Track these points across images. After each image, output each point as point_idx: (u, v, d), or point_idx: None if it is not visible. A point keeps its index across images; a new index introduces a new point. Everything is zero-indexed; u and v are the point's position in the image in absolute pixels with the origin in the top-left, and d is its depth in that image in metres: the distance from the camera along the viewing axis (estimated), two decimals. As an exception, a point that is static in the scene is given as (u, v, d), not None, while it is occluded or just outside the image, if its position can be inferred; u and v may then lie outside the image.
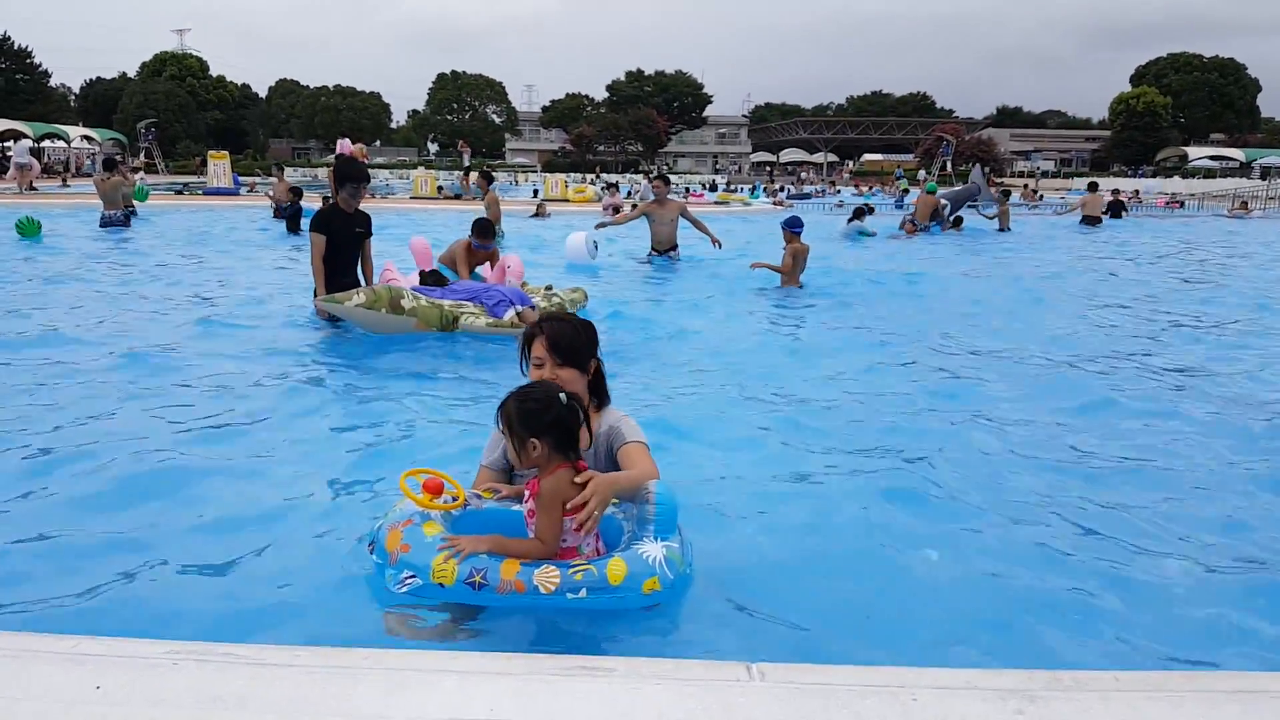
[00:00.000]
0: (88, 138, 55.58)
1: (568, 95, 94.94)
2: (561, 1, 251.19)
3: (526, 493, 2.87)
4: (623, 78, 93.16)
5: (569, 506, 2.75)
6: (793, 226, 10.66)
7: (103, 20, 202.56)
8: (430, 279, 8.26)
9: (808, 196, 40.87)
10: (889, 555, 3.45)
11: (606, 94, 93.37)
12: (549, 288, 8.66)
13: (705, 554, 3.24)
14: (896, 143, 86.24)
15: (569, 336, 3.12)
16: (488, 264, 9.21)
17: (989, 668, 2.31)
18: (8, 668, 2.09)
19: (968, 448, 4.82)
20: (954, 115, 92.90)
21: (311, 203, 20.51)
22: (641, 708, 1.97)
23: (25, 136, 44.14)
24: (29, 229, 14.65)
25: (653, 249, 13.51)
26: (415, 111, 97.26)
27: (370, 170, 8.16)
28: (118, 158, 27.76)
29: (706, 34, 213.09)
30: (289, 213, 17.64)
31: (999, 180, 46.48)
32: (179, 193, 27.91)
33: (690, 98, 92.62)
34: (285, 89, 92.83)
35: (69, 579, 3.12)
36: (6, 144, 43.96)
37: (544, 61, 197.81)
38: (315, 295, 7.75)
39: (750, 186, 47.95)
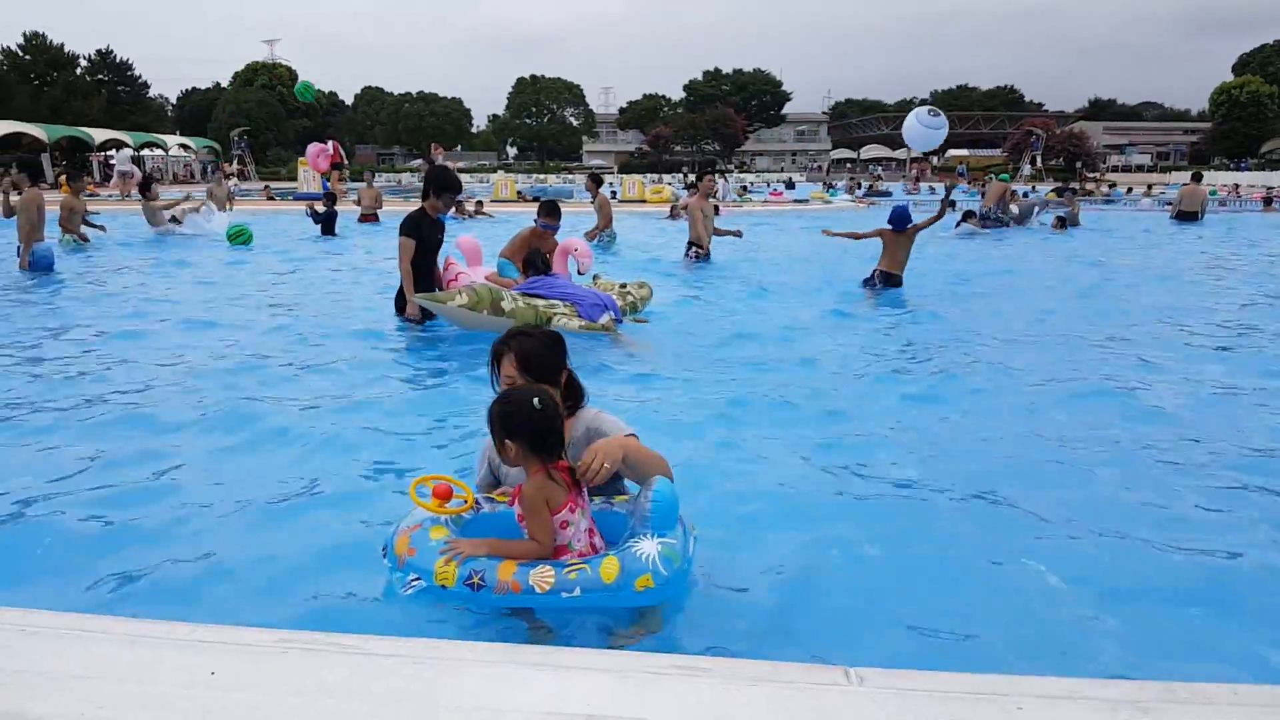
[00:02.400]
0: (184, 146, 57.79)
1: (645, 96, 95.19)
2: (640, 2, 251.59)
3: (513, 494, 2.94)
4: (700, 77, 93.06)
5: (579, 473, 2.88)
6: (897, 224, 10.48)
7: (198, 33, 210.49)
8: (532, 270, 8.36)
9: (887, 194, 40.15)
10: (988, 564, 3.37)
11: (684, 94, 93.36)
12: (623, 285, 8.71)
13: (799, 555, 3.22)
14: (983, 137, 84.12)
15: (537, 352, 3.17)
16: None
17: (1099, 678, 2.24)
18: (129, 652, 2.18)
19: (1075, 459, 4.63)
20: (1043, 109, 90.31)
21: (392, 208, 21.10)
22: (738, 710, 1.96)
23: (126, 146, 46.04)
24: (240, 238, 14.90)
25: (700, 247, 13.39)
26: (495, 116, 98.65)
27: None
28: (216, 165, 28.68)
29: (786, 30, 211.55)
30: (324, 216, 17.84)
31: (1091, 175, 45.02)
32: (270, 198, 28.80)
33: (769, 95, 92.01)
34: (370, 96, 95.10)
35: (137, 561, 3.31)
36: (110, 153, 45.91)
37: (621, 63, 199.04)
38: (399, 295, 7.93)
39: (829, 184, 47.29)
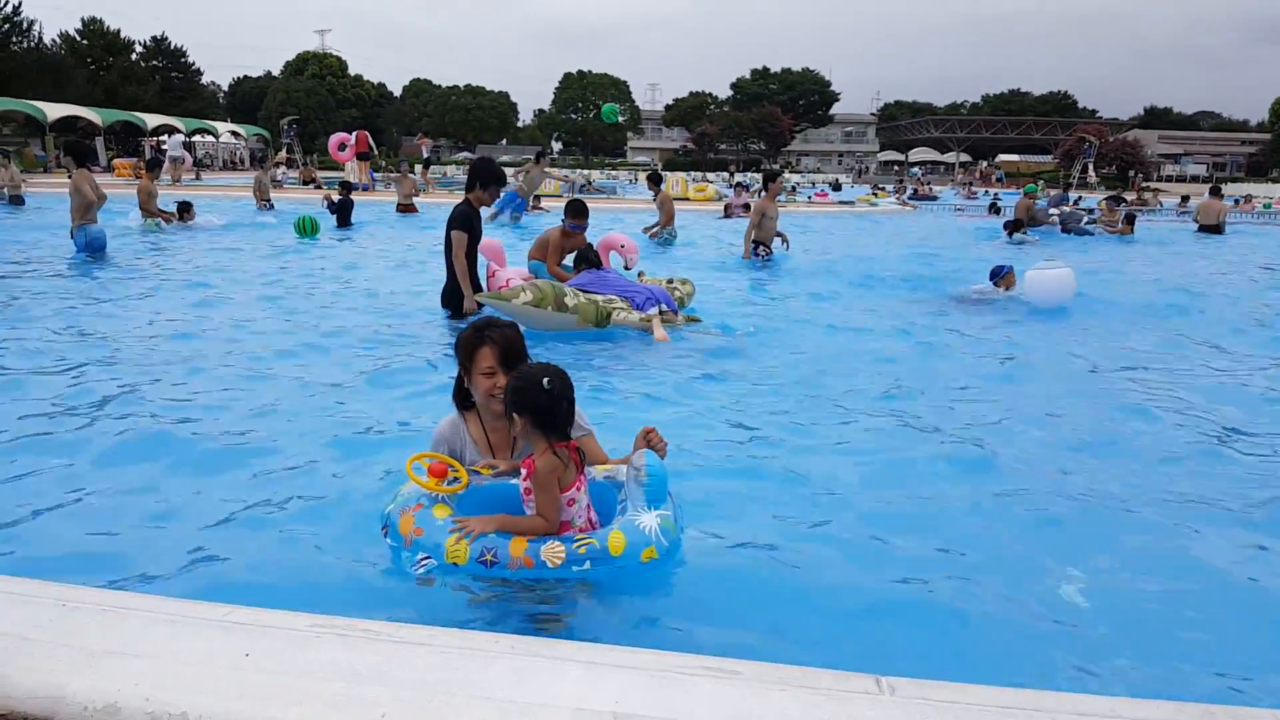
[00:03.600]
0: (235, 133, 58.71)
1: (691, 94, 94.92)
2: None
3: (523, 471, 3.00)
4: (748, 75, 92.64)
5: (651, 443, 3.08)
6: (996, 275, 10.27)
7: (251, 21, 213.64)
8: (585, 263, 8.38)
9: (934, 198, 39.69)
10: (1023, 576, 3.31)
11: (731, 92, 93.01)
12: (669, 281, 8.71)
13: (832, 563, 3.19)
14: (1034, 143, 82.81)
15: (515, 343, 3.30)
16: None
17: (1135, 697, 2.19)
18: (167, 631, 2.22)
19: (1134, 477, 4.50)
20: (1097, 115, 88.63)
21: (432, 199, 21.30)
22: (768, 714, 1.95)
23: (178, 131, 46.89)
24: (308, 229, 14.99)
25: (768, 248, 13.64)
26: (541, 110, 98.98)
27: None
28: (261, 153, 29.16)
29: (835, 30, 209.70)
30: (339, 206, 17.92)
31: (1145, 185, 44.17)
32: (317, 187, 29.15)
33: (817, 95, 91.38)
34: (419, 88, 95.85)
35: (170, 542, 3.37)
36: (162, 138, 46.76)
37: (669, 59, 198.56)
38: (447, 291, 7.97)
39: (879, 188, 46.72)
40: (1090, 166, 52.06)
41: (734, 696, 2.01)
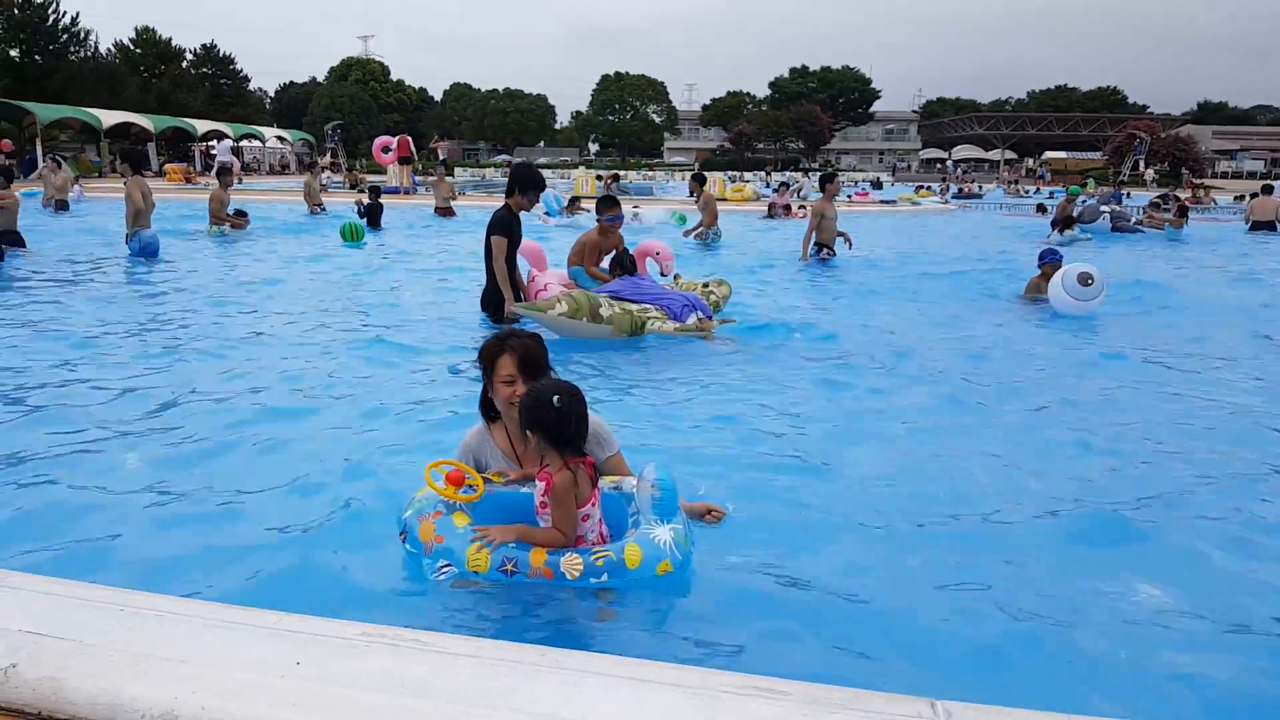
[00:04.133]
0: (281, 138, 59.59)
1: (728, 93, 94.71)
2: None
3: (541, 485, 3.05)
4: (786, 74, 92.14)
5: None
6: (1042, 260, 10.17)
7: (297, 28, 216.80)
8: (620, 269, 8.39)
9: (978, 196, 39.19)
10: (1090, 597, 3.20)
11: (769, 91, 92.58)
12: (705, 284, 8.68)
13: (880, 576, 3.14)
14: (1083, 140, 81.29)
15: (535, 352, 3.36)
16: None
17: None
18: (221, 638, 2.25)
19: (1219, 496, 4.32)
20: (1148, 111, 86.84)
21: (470, 202, 21.43)
22: (817, 734, 1.92)
23: (227, 136, 47.77)
24: (353, 234, 15.05)
25: (829, 248, 13.58)
26: (578, 112, 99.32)
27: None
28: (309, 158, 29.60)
29: (876, 27, 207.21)
30: (368, 209, 17.98)
31: (1197, 182, 43.18)
32: (354, 185, 29.49)
33: (857, 93, 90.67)
34: (458, 92, 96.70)
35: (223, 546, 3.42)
36: (211, 143, 47.64)
37: (706, 58, 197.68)
38: (486, 294, 8.02)
39: (920, 186, 46.21)
40: (1141, 163, 51.03)
41: (782, 718, 1.97)
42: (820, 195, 14.30)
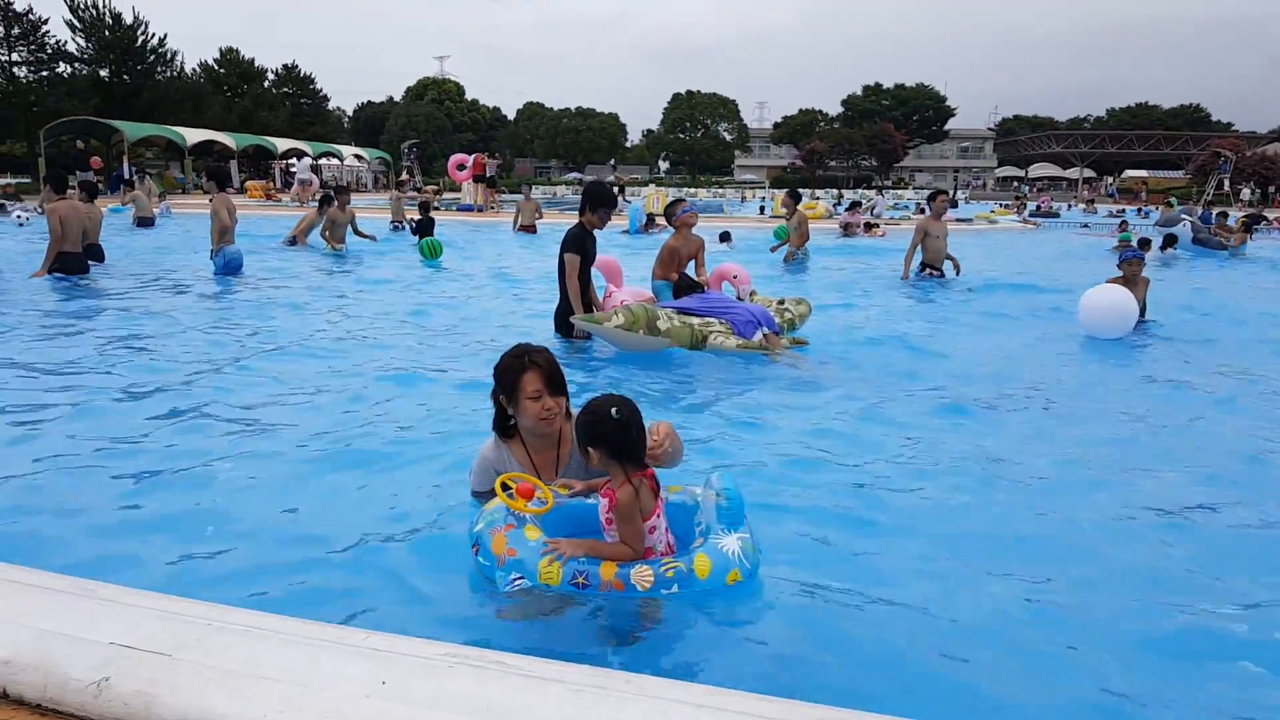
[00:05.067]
0: (358, 156, 61.06)
1: (800, 111, 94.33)
2: (800, 16, 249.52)
3: (604, 503, 3.05)
4: (859, 92, 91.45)
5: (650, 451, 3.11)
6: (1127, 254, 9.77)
7: (375, 49, 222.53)
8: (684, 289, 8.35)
9: (1055, 215, 38.28)
10: (1175, 640, 3.05)
11: (841, 109, 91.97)
12: (781, 302, 8.57)
13: (941, 605, 3.04)
14: (1164, 158, 79.09)
15: (557, 366, 3.35)
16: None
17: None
18: (308, 655, 2.24)
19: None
20: (1232, 129, 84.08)
21: (550, 221, 21.63)
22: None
23: (306, 155, 49.07)
24: (431, 252, 15.18)
25: (934, 268, 13.21)
26: (649, 130, 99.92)
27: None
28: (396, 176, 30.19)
29: (951, 44, 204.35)
30: (419, 226, 18.06)
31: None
32: (436, 209, 29.95)
33: (931, 110, 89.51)
34: (531, 111, 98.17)
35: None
36: (290, 161, 49.04)
37: (778, 76, 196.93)
38: (559, 311, 8.03)
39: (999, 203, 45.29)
40: (1226, 182, 49.40)
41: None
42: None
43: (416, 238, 17.43)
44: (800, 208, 16.55)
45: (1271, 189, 53.98)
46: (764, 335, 7.48)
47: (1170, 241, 17.99)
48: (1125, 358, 8.11)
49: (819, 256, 17.04)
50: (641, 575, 2.88)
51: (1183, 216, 20.63)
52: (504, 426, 3.48)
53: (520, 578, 2.95)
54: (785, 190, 19.43)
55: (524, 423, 3.38)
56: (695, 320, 7.52)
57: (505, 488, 3.13)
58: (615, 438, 2.99)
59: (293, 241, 16.69)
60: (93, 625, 2.31)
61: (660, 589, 2.87)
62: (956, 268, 13.11)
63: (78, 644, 2.22)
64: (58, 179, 12.71)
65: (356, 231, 16.44)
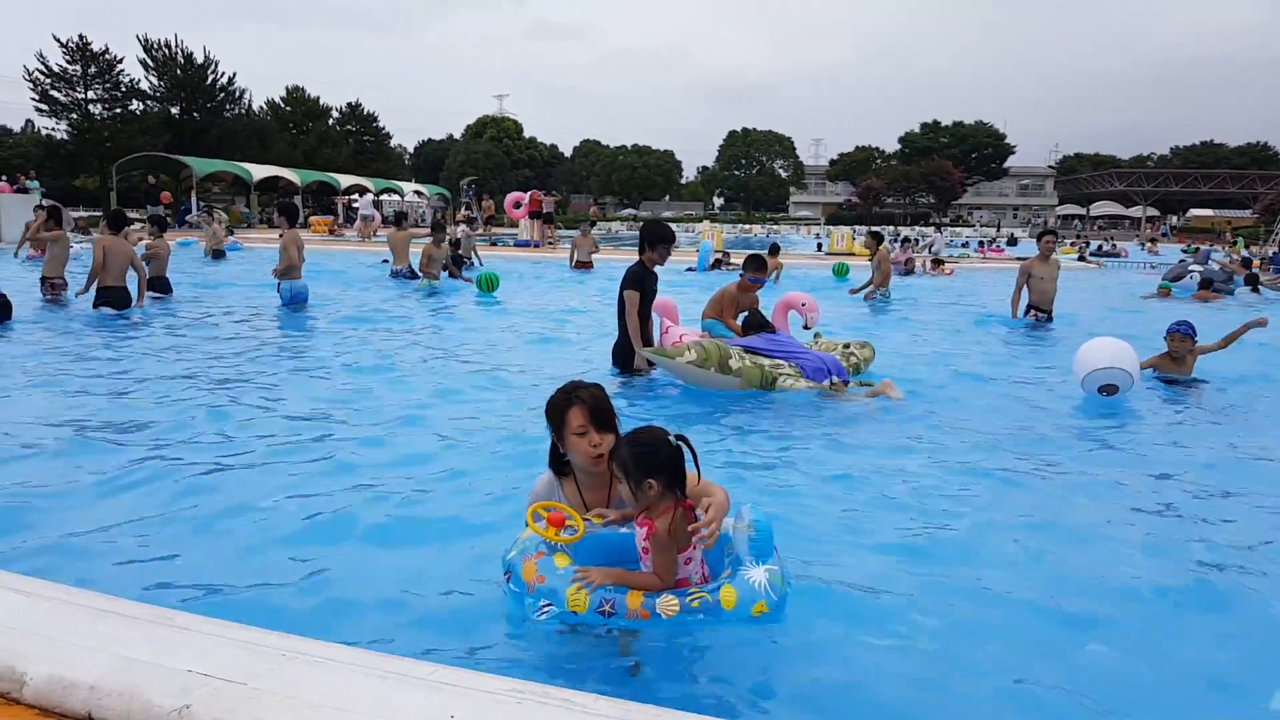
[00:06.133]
0: (418, 192, 62.22)
1: (857, 148, 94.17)
2: (856, 53, 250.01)
3: (642, 531, 3.03)
4: (917, 129, 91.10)
5: (693, 537, 3.00)
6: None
7: (436, 87, 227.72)
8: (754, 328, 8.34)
9: (1117, 254, 37.52)
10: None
11: (898, 146, 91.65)
12: (846, 346, 8.50)
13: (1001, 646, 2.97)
14: (1230, 197, 77.23)
15: (603, 402, 3.30)
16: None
17: None
18: (378, 687, 2.27)
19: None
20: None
21: (600, 256, 21.74)
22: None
23: (368, 191, 50.16)
24: (489, 285, 15.32)
25: (1040, 310, 12.73)
26: (705, 167, 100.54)
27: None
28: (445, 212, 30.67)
29: (1011, 81, 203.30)
30: (449, 260, 17.94)
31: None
32: (493, 244, 30.40)
33: (990, 148, 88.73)
34: (588, 149, 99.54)
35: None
36: (353, 197, 50.15)
37: (834, 113, 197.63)
38: (617, 347, 8.08)
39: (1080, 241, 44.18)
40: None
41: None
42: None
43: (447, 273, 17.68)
44: (857, 245, 16.50)
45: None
46: (832, 383, 7.42)
47: (1254, 280, 17.60)
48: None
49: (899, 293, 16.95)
50: (667, 605, 2.88)
51: (1191, 268, 20.11)
52: (558, 463, 3.48)
53: (549, 604, 2.95)
54: (869, 230, 19.40)
55: (574, 460, 3.37)
56: (765, 361, 7.49)
57: (538, 517, 3.15)
58: (671, 464, 2.99)
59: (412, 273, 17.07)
60: (172, 653, 2.37)
61: (685, 619, 2.87)
62: (1048, 315, 12.67)
63: (158, 671, 2.27)
64: (116, 219, 12.89)
65: (455, 273, 16.58)
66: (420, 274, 16.35)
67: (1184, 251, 33.53)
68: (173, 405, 6.63)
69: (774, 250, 20.63)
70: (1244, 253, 31.09)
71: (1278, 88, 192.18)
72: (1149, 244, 45.62)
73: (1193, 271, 19.95)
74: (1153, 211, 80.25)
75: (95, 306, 11.48)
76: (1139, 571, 3.92)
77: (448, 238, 17.71)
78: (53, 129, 53.78)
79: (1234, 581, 3.88)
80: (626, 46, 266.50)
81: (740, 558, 3.04)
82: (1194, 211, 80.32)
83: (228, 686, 2.21)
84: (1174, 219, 79.60)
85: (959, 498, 4.91)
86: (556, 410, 3.33)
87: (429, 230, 17.23)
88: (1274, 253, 27.26)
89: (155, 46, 55.63)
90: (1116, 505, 4.86)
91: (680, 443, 3.03)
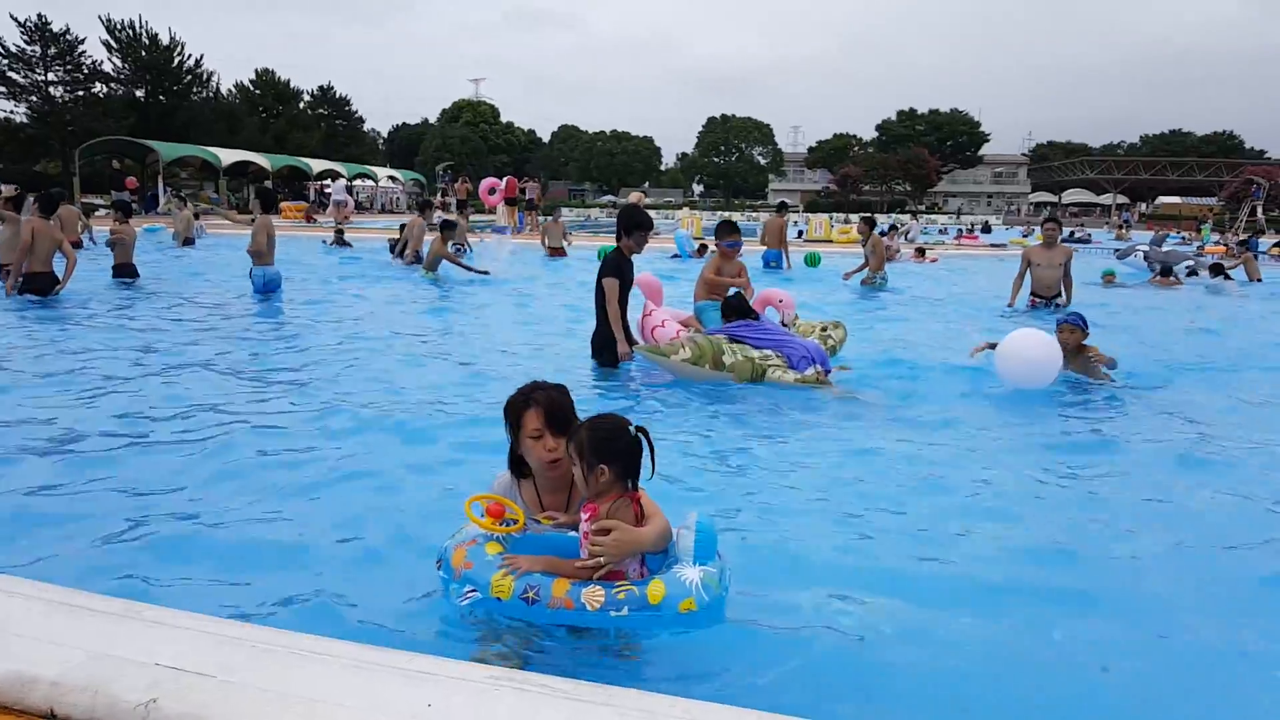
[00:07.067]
0: (393, 178, 61.68)
1: (835, 135, 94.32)
2: (836, 42, 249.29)
3: (585, 515, 2.95)
4: (893, 117, 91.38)
5: (582, 562, 2.92)
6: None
7: (410, 71, 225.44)
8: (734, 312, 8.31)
9: (1087, 240, 37.79)
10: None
11: (876, 134, 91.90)
12: (823, 328, 8.49)
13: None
14: (1197, 185, 78.18)
15: (561, 404, 3.20)
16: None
17: None
18: (354, 678, 2.23)
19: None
20: (1266, 156, 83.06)
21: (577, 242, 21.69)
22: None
23: (341, 176, 49.54)
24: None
25: (1040, 296, 12.66)
26: (684, 154, 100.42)
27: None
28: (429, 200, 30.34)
29: (986, 71, 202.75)
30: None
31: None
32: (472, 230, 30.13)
33: (965, 136, 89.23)
34: (566, 134, 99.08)
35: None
36: (325, 182, 49.61)
37: (813, 101, 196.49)
38: (596, 336, 7.99)
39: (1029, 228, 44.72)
40: (1259, 209, 48.75)
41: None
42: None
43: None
44: (835, 232, 16.48)
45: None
46: (816, 371, 7.41)
47: (1218, 269, 17.72)
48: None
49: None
50: (593, 595, 2.81)
51: (1137, 248, 20.28)
52: (517, 464, 3.36)
53: (473, 590, 2.90)
54: (860, 216, 19.31)
55: (532, 464, 3.27)
56: (755, 354, 7.47)
57: (477, 508, 3.09)
58: (628, 453, 2.94)
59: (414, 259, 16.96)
60: (139, 647, 2.32)
61: (609, 610, 2.80)
62: (1068, 297, 12.49)
63: (125, 665, 2.22)
64: (47, 201, 12.13)
65: (466, 267, 16.15)
66: (423, 265, 16.17)
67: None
68: (134, 393, 6.52)
69: (782, 208, 20.46)
70: (1239, 236, 31.31)
71: (1247, 79, 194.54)
72: (1119, 229, 46.06)
73: (1138, 250, 20.09)
74: (1122, 199, 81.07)
75: (20, 293, 11.06)
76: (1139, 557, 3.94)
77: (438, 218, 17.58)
78: (11, 111, 52.07)
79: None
80: (606, 33, 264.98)
81: (678, 559, 2.98)
82: (1162, 199, 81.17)
83: (197, 679, 2.17)
84: (1143, 206, 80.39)
85: (937, 486, 4.93)
86: (513, 411, 3.23)
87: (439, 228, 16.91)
88: (1247, 238, 27.54)
89: (119, 27, 54.55)
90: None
91: (640, 435, 2.96)
